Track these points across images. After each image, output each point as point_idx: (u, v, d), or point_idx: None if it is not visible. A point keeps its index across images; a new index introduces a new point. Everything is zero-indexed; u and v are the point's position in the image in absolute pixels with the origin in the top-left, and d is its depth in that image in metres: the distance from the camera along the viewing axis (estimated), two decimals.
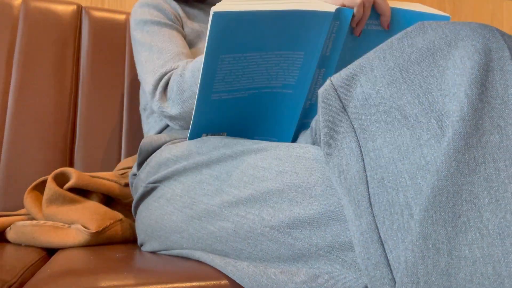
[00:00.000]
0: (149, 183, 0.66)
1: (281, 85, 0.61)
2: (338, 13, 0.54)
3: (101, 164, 1.06)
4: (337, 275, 0.38)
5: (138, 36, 0.83)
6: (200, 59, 0.66)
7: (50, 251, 0.75)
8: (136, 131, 1.10)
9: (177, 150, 0.64)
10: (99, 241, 0.75)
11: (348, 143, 0.37)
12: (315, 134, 0.54)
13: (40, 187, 0.85)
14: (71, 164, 1.04)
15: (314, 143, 0.56)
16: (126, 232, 0.80)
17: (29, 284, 0.49)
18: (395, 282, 0.30)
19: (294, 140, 0.66)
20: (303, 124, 0.66)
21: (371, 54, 0.38)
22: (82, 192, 0.84)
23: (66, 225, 0.76)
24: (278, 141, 0.68)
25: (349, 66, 0.39)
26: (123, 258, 0.61)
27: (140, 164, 0.75)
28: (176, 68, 0.73)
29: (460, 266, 0.26)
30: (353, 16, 0.56)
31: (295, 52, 0.57)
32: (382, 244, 0.31)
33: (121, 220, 0.80)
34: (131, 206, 0.89)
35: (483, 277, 0.25)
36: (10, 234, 0.78)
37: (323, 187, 0.41)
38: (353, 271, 0.37)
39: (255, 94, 0.61)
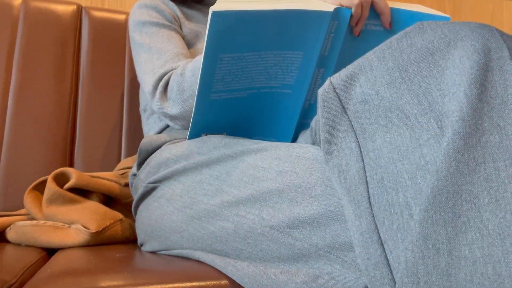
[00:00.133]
0: (149, 183, 0.66)
1: (280, 85, 0.61)
2: (337, 12, 0.54)
3: (101, 164, 1.06)
4: (337, 275, 0.38)
5: (137, 38, 0.83)
6: (200, 58, 0.66)
7: (50, 251, 0.75)
8: (136, 131, 1.10)
9: (177, 150, 0.64)
10: (99, 241, 0.75)
11: (347, 143, 0.37)
12: (315, 134, 0.54)
13: (40, 187, 0.85)
14: (71, 164, 1.04)
15: (314, 143, 0.56)
16: (126, 232, 0.80)
17: (29, 284, 0.49)
18: (395, 283, 0.30)
19: (294, 140, 0.66)
20: (302, 124, 0.66)
21: (370, 54, 0.38)
22: (82, 192, 0.84)
23: (66, 225, 0.76)
24: (278, 141, 0.68)
25: (348, 66, 0.39)
26: (123, 258, 0.61)
27: (140, 164, 0.75)
28: (175, 68, 0.73)
29: (460, 266, 0.26)
30: (352, 15, 0.56)
31: (294, 51, 0.57)
32: (382, 244, 0.31)
33: (121, 220, 0.80)
34: (131, 206, 0.89)
35: (483, 277, 0.25)
36: (10, 234, 0.78)
37: (323, 187, 0.41)
38: (353, 271, 0.37)
39: (254, 94, 0.61)
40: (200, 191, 0.55)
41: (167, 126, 0.81)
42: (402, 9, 0.59)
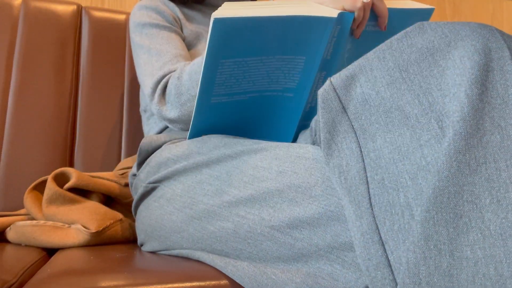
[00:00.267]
0: (149, 183, 0.66)
1: (281, 88, 0.60)
2: (340, 17, 0.54)
3: (101, 164, 1.06)
4: (337, 275, 0.38)
5: (137, 39, 0.83)
6: (198, 61, 0.66)
7: (50, 251, 0.75)
8: (136, 131, 1.10)
9: (177, 150, 0.64)
10: (99, 241, 0.75)
11: (348, 143, 0.37)
12: (315, 134, 0.54)
13: (40, 187, 0.85)
14: (71, 164, 1.04)
15: (314, 143, 0.56)
16: (126, 232, 0.80)
17: (29, 284, 0.49)
18: (397, 283, 0.30)
19: (294, 140, 0.66)
20: (303, 126, 0.66)
21: (370, 55, 0.38)
22: (82, 192, 0.84)
23: (66, 225, 0.76)
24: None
25: (348, 67, 0.39)
26: (123, 258, 0.61)
27: (140, 164, 0.75)
28: (174, 70, 0.73)
29: (462, 267, 0.26)
30: (354, 19, 0.56)
31: (296, 56, 0.56)
32: (383, 245, 0.31)
33: (121, 220, 0.80)
34: (131, 206, 0.89)
35: (485, 278, 0.25)
36: (10, 234, 0.78)
37: (323, 187, 0.41)
38: (353, 271, 0.37)
39: (256, 97, 0.61)
40: (200, 191, 0.55)
41: (167, 126, 0.81)
42: (388, 8, 0.59)
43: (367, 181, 0.34)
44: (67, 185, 0.80)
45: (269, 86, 0.60)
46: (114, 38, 1.12)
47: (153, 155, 0.71)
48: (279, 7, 0.52)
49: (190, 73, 0.67)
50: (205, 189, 0.54)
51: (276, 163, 0.48)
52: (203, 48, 0.87)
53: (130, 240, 0.82)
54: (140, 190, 0.69)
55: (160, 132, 0.82)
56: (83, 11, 1.12)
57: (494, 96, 0.30)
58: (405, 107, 0.33)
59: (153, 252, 0.67)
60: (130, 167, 0.95)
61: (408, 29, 0.36)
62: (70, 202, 0.79)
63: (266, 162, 0.49)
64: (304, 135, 0.61)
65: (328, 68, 0.59)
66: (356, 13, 0.55)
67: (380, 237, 0.31)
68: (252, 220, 0.46)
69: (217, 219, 0.51)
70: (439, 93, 0.32)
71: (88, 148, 1.05)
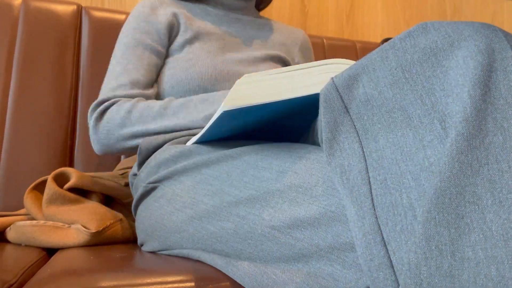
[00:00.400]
0: (149, 183, 0.66)
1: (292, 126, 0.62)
2: None
3: (101, 164, 1.06)
4: (338, 276, 0.37)
5: (120, 37, 0.90)
6: (152, 110, 0.76)
7: (50, 251, 0.75)
8: None
9: (177, 150, 0.64)
10: (99, 241, 0.75)
11: (350, 143, 0.36)
12: (316, 134, 0.54)
13: (40, 187, 0.85)
14: (71, 164, 1.04)
15: (314, 143, 0.56)
16: (126, 232, 0.80)
17: (29, 284, 0.49)
18: (399, 284, 0.29)
19: (296, 140, 0.66)
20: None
21: (373, 54, 0.37)
22: (82, 192, 0.84)
23: (66, 225, 0.76)
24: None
25: (351, 66, 0.39)
26: (123, 258, 0.60)
27: (140, 164, 0.75)
28: (122, 96, 0.81)
29: (464, 267, 0.26)
30: None
31: (307, 114, 0.57)
32: (385, 246, 0.31)
33: (121, 220, 0.80)
34: (131, 206, 0.89)
35: (486, 279, 0.25)
36: (10, 234, 0.78)
37: (324, 187, 0.41)
38: (354, 272, 0.36)
39: (264, 126, 0.61)
40: (200, 191, 0.55)
41: None
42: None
43: (369, 182, 0.34)
44: (67, 185, 0.79)
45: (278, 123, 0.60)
46: (114, 38, 1.12)
47: (153, 155, 0.71)
48: (290, 79, 0.48)
49: (141, 115, 0.76)
50: (205, 189, 0.54)
51: (276, 163, 0.47)
52: (200, 46, 0.87)
53: (130, 240, 0.82)
54: (140, 190, 0.68)
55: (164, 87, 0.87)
56: (83, 11, 1.12)
57: (497, 97, 0.29)
58: (408, 108, 0.33)
59: (153, 252, 0.67)
60: (130, 167, 0.95)
61: (411, 28, 0.36)
62: (70, 202, 0.78)
63: (267, 162, 0.48)
64: (305, 136, 0.61)
65: None
66: None
67: (383, 238, 0.31)
68: (252, 220, 0.46)
69: (218, 219, 0.51)
70: (442, 93, 0.32)
71: (88, 148, 1.05)
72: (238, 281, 0.48)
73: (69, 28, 1.08)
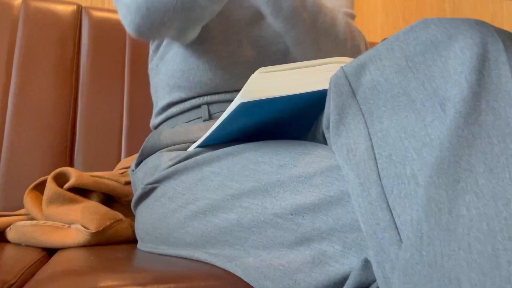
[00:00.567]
0: (147, 184, 0.66)
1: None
2: None
3: (101, 164, 1.06)
4: (338, 256, 0.40)
5: None
6: None
7: (50, 251, 0.75)
8: (136, 131, 1.10)
9: (176, 153, 0.65)
10: (99, 241, 0.75)
11: (356, 124, 0.39)
12: (315, 136, 0.55)
13: (40, 187, 0.85)
14: (71, 164, 1.04)
15: (314, 139, 0.58)
16: (126, 232, 0.80)
17: (29, 284, 0.49)
18: (402, 242, 0.33)
19: (297, 138, 0.66)
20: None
21: (379, 46, 0.41)
22: (82, 192, 0.84)
23: (66, 225, 0.76)
24: None
25: (359, 56, 0.42)
26: (123, 258, 0.61)
27: (138, 164, 0.75)
28: None
29: (459, 222, 0.30)
30: None
31: (307, 118, 0.56)
32: (391, 211, 0.35)
33: (121, 220, 0.80)
34: (131, 205, 0.89)
35: (478, 232, 0.29)
36: (10, 234, 0.78)
37: (323, 177, 0.43)
38: (354, 251, 0.39)
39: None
40: (202, 187, 0.56)
41: (174, 80, 0.74)
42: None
43: (375, 157, 0.37)
44: (67, 185, 0.80)
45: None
46: (114, 38, 1.12)
47: (150, 157, 0.71)
48: (309, 71, 0.48)
49: None
50: (207, 185, 0.55)
51: (276, 158, 0.49)
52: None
53: (130, 240, 0.82)
54: (139, 191, 0.69)
55: (168, 82, 0.74)
56: (83, 11, 1.12)
57: (489, 82, 0.33)
58: (411, 93, 0.37)
59: (153, 252, 0.67)
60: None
61: (413, 24, 0.40)
62: (70, 202, 0.79)
63: (267, 158, 0.50)
64: (307, 134, 0.62)
65: None
66: None
67: (388, 204, 0.35)
68: (255, 209, 0.48)
69: (222, 212, 0.52)
70: (442, 80, 0.35)
71: (88, 148, 1.05)
72: (242, 277, 0.49)
73: (69, 28, 1.08)
